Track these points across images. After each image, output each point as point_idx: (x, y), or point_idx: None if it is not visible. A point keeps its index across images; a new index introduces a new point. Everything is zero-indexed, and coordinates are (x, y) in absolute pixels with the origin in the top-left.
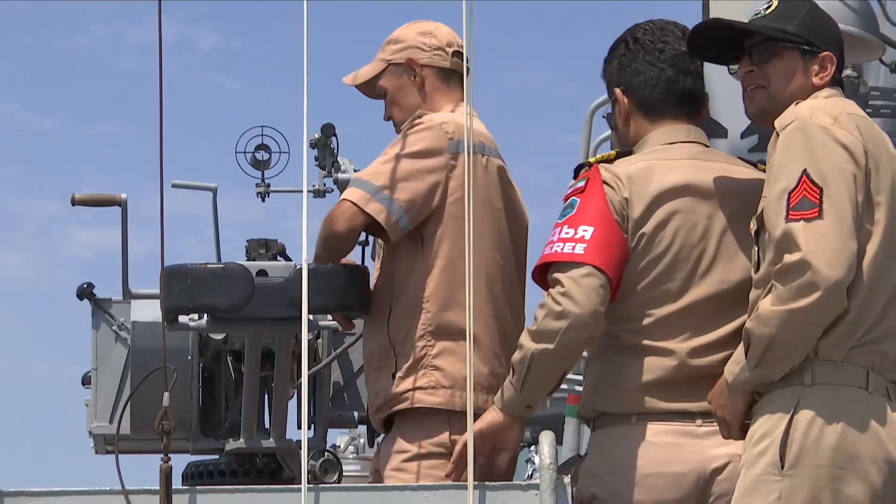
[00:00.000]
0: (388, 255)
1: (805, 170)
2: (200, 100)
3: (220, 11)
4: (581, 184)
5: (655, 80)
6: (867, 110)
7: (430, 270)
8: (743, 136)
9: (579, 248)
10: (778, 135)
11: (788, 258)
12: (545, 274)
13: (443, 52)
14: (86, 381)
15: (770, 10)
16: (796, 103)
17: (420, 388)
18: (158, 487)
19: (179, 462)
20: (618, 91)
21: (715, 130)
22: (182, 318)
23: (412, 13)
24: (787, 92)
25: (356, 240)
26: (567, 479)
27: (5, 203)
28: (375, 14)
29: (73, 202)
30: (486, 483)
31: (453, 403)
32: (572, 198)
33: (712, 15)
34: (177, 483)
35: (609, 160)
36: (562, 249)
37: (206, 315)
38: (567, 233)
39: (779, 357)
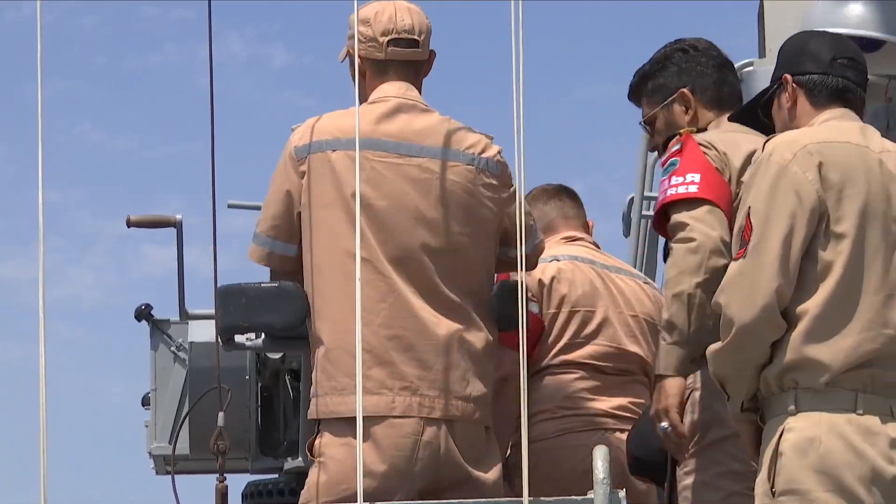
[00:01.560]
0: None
1: (749, 207)
2: (273, 118)
3: (290, 28)
4: (676, 147)
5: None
6: None
7: (306, 281)
8: None
9: (692, 188)
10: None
11: (715, 298)
12: (665, 223)
13: (375, 43)
14: (145, 402)
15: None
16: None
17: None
18: None
19: (239, 482)
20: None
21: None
22: (238, 338)
23: (464, 31)
24: (780, 127)
25: (290, 270)
26: (622, 494)
27: (80, 223)
28: (438, 23)
29: (129, 224)
30: (541, 499)
31: (316, 411)
32: (671, 159)
33: (767, 14)
34: (235, 502)
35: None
36: (676, 191)
37: (262, 334)
38: (676, 181)
39: (729, 391)
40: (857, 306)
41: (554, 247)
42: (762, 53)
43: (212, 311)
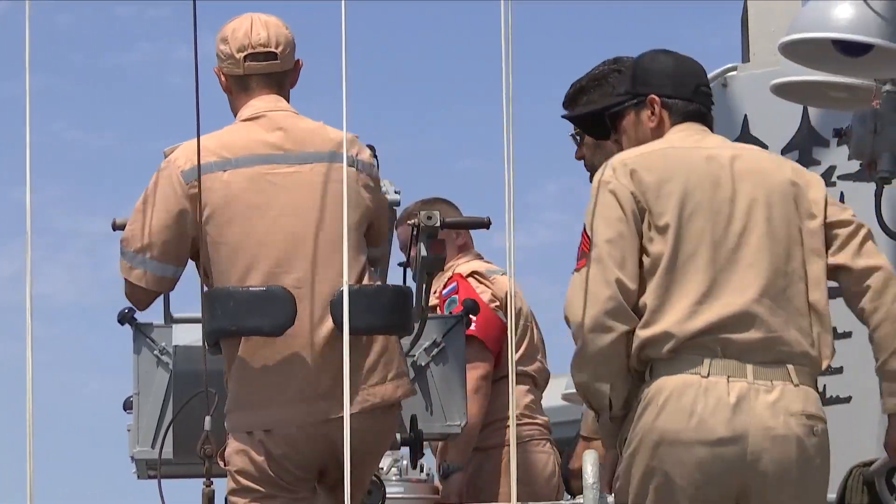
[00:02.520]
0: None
1: (584, 225)
2: None
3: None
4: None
5: None
6: None
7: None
8: (783, 152)
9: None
10: None
11: (564, 309)
12: None
13: (233, 60)
14: (127, 406)
15: (620, 81)
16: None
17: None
18: None
19: (223, 486)
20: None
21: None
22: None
23: (451, 28)
24: (634, 144)
25: (154, 297)
26: (611, 499)
27: (54, 221)
28: (420, 34)
29: (115, 227)
30: (530, 503)
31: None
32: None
33: (751, 17)
34: None
35: None
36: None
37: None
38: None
39: (596, 396)
40: (688, 285)
41: (476, 261)
42: (745, 57)
43: (197, 314)
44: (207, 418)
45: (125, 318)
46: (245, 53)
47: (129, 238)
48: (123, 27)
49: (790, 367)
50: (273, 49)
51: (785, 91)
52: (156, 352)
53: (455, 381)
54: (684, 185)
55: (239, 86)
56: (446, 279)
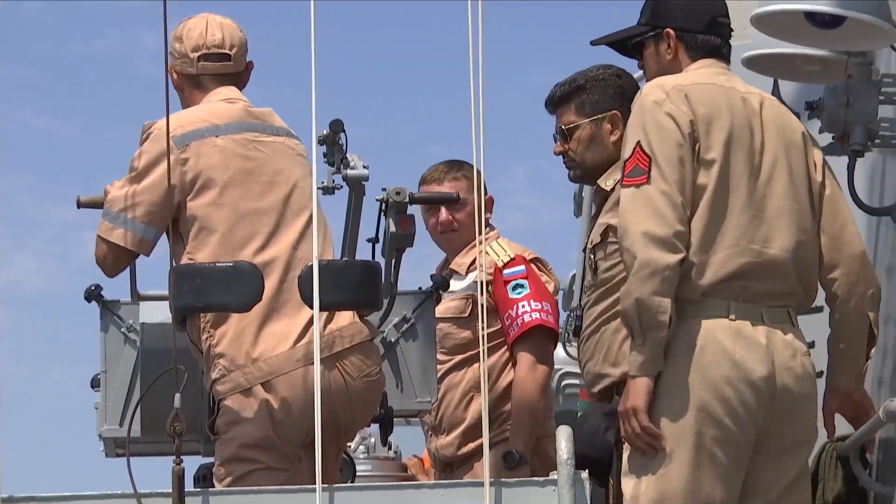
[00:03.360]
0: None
1: (638, 141)
2: None
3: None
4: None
5: None
6: (880, 97)
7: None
8: None
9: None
10: None
11: (619, 223)
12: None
13: (187, 59)
14: (95, 384)
15: (642, 8)
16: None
17: (215, 380)
18: (171, 490)
19: (191, 464)
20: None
21: None
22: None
23: (420, 12)
24: (655, 74)
25: (127, 263)
26: (584, 475)
27: (22, 209)
28: (384, 11)
29: (79, 205)
30: (503, 480)
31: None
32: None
33: None
34: (189, 485)
35: None
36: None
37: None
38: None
39: (656, 313)
40: (725, 225)
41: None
42: None
43: (164, 292)
44: (177, 396)
45: (91, 294)
46: (199, 53)
47: (114, 199)
48: (92, 15)
49: (790, 309)
50: (227, 51)
51: (756, 64)
52: (123, 329)
53: (425, 357)
54: (730, 125)
55: (192, 84)
56: (506, 257)
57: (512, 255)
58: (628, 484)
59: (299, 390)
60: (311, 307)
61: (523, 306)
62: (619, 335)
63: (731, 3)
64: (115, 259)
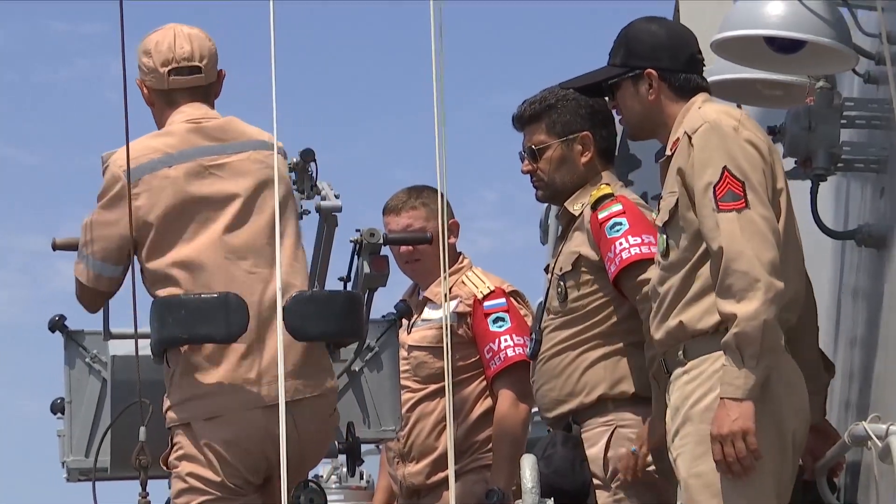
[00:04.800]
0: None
1: (726, 166)
2: None
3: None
4: (618, 207)
5: None
6: (842, 121)
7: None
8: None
9: (655, 248)
10: (689, 136)
11: (728, 246)
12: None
13: (157, 74)
14: (56, 408)
15: (614, 44)
16: (699, 108)
17: (168, 408)
18: None
19: (164, 495)
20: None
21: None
22: None
23: (382, 35)
24: (634, 115)
25: (98, 299)
26: (550, 502)
27: None
28: (345, 33)
29: (55, 247)
30: None
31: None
32: (616, 218)
33: (683, 16)
34: None
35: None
36: (640, 251)
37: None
38: (636, 240)
39: (777, 335)
40: (791, 253)
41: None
42: None
43: (132, 330)
44: (142, 429)
45: (56, 325)
46: (169, 68)
47: (81, 233)
48: (58, 43)
49: None
50: (197, 63)
51: (719, 89)
52: (87, 359)
53: (390, 385)
54: (780, 156)
55: (164, 99)
56: (485, 289)
57: (492, 287)
58: None
59: (242, 431)
60: (298, 338)
61: (505, 340)
62: (579, 363)
63: (691, 27)
64: (82, 295)
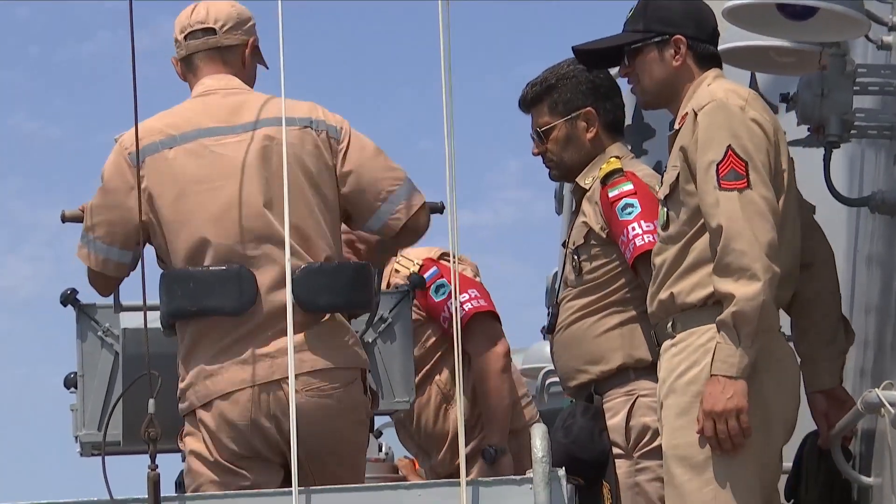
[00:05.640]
0: None
1: (730, 145)
2: None
3: None
4: (628, 186)
5: None
6: (855, 88)
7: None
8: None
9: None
10: (695, 113)
11: (728, 224)
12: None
13: (178, 42)
14: (69, 383)
15: (632, 10)
16: (708, 85)
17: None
18: (147, 496)
19: (174, 468)
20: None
21: (646, 132)
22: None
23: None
24: (654, 81)
25: (109, 282)
26: (561, 472)
27: (16, 214)
28: (354, 29)
29: (63, 219)
30: (480, 479)
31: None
32: (626, 199)
33: None
34: (169, 490)
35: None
36: (654, 239)
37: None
38: (648, 226)
39: (773, 315)
40: (788, 233)
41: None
42: None
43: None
44: (151, 401)
45: (68, 299)
46: (185, 33)
47: (89, 223)
48: (81, 17)
49: None
50: (210, 25)
51: (731, 57)
52: (100, 333)
53: (403, 357)
54: (784, 135)
55: (187, 68)
56: (414, 267)
57: (420, 262)
58: (687, 484)
59: (236, 412)
60: (306, 309)
61: (451, 305)
62: (595, 329)
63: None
64: (94, 279)
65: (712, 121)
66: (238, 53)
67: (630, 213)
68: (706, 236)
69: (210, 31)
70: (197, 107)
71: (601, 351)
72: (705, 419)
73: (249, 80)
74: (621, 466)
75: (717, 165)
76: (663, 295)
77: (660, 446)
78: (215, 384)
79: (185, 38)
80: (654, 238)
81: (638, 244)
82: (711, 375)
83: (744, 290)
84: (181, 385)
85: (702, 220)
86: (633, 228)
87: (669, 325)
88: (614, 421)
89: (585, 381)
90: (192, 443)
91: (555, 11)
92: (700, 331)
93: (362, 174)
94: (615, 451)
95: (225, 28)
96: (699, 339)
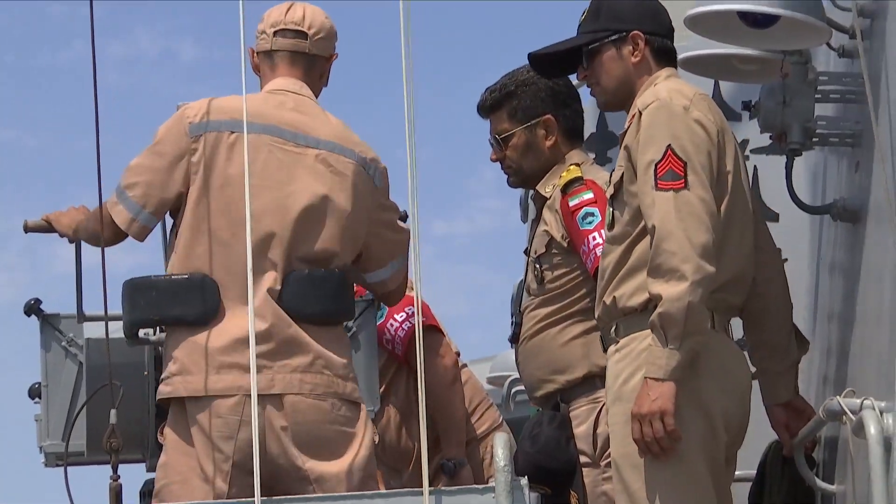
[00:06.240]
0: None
1: (669, 145)
2: None
3: (200, 23)
4: (588, 195)
5: None
6: (816, 95)
7: (172, 261)
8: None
9: None
10: (640, 113)
11: (661, 225)
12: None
13: (265, 35)
14: (33, 393)
15: (584, 14)
16: (655, 84)
17: (161, 381)
18: None
19: (137, 479)
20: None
21: (610, 140)
22: (141, 333)
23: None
24: (613, 80)
25: (122, 238)
26: (524, 481)
27: None
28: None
29: (26, 229)
30: (443, 488)
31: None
32: (587, 208)
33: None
34: (132, 501)
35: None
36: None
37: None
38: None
39: (702, 318)
40: (735, 236)
41: None
42: None
43: (111, 312)
44: (112, 412)
45: (31, 308)
46: (276, 29)
47: (124, 172)
48: (57, 25)
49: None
50: (304, 29)
51: (694, 65)
52: (63, 343)
53: (368, 366)
54: (733, 140)
55: (266, 62)
56: None
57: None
58: (641, 491)
59: (234, 419)
60: (296, 318)
61: (392, 325)
62: (559, 338)
63: (665, 4)
64: (115, 234)
65: (654, 120)
66: (320, 65)
67: (591, 223)
68: (647, 238)
69: (301, 35)
70: (270, 102)
71: (566, 360)
72: (633, 422)
73: (317, 93)
74: (589, 475)
75: (656, 165)
76: (608, 299)
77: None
78: (210, 382)
79: (275, 33)
80: None
81: (598, 253)
82: (644, 378)
83: (670, 291)
84: (167, 368)
85: (643, 222)
86: (594, 238)
87: (613, 329)
88: (581, 429)
89: (552, 390)
90: (171, 438)
91: (543, 15)
92: (641, 335)
93: (381, 233)
94: (582, 459)
95: (317, 37)
96: (640, 344)
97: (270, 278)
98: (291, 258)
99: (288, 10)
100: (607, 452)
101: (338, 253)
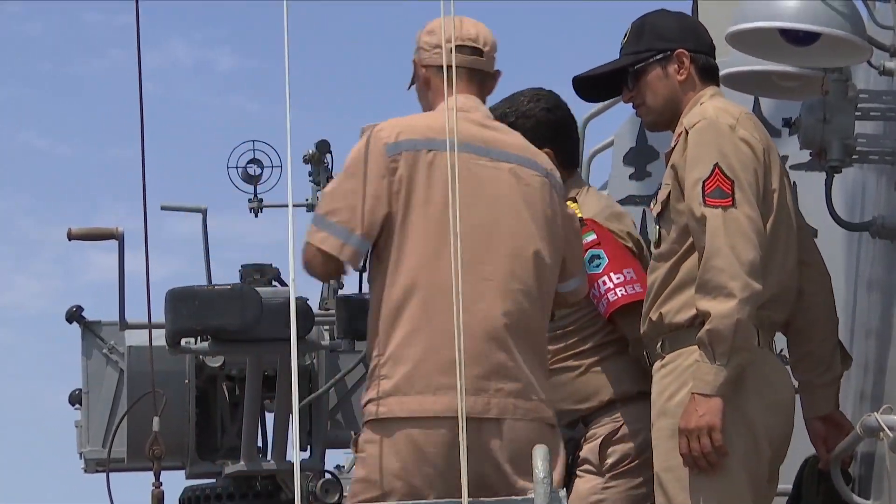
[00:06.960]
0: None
1: (717, 163)
2: (219, 122)
3: (236, 32)
4: (591, 237)
5: None
6: (857, 113)
7: (377, 282)
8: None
9: (638, 287)
10: (686, 132)
11: (709, 242)
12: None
13: (438, 50)
14: (74, 399)
15: (626, 36)
16: (701, 103)
17: (371, 400)
18: None
19: (178, 486)
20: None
21: (650, 155)
22: (183, 342)
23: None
24: (660, 99)
25: (336, 269)
26: (562, 493)
27: (25, 231)
28: (382, 33)
29: (70, 236)
30: (481, 499)
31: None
32: (591, 250)
33: (701, 13)
34: None
35: None
36: (625, 291)
37: (200, 338)
38: (619, 278)
39: (751, 335)
40: (779, 254)
41: None
42: None
43: (154, 320)
44: (155, 419)
45: (73, 315)
46: (453, 45)
47: (330, 208)
48: (93, 34)
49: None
50: (479, 46)
51: (735, 81)
52: (105, 350)
53: None
54: (778, 159)
55: (440, 78)
56: None
57: None
58: None
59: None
60: (348, 335)
61: (606, 283)
62: (577, 370)
63: (706, 21)
64: (318, 265)
65: (701, 139)
66: (491, 81)
67: (598, 266)
68: (695, 255)
69: (478, 52)
70: (459, 119)
71: (587, 390)
72: (680, 437)
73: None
74: (589, 481)
75: (704, 183)
76: (654, 315)
77: (634, 468)
78: (420, 406)
79: (451, 49)
80: (626, 290)
81: (611, 300)
82: (691, 394)
83: (719, 308)
84: (375, 387)
85: (691, 239)
86: (605, 283)
87: (659, 345)
88: (592, 443)
89: (575, 417)
90: (370, 451)
91: (543, 15)
92: (687, 352)
93: (573, 241)
94: (585, 466)
95: (490, 54)
96: (686, 360)
97: (485, 297)
98: (504, 277)
99: (461, 25)
100: (617, 467)
101: (549, 265)
